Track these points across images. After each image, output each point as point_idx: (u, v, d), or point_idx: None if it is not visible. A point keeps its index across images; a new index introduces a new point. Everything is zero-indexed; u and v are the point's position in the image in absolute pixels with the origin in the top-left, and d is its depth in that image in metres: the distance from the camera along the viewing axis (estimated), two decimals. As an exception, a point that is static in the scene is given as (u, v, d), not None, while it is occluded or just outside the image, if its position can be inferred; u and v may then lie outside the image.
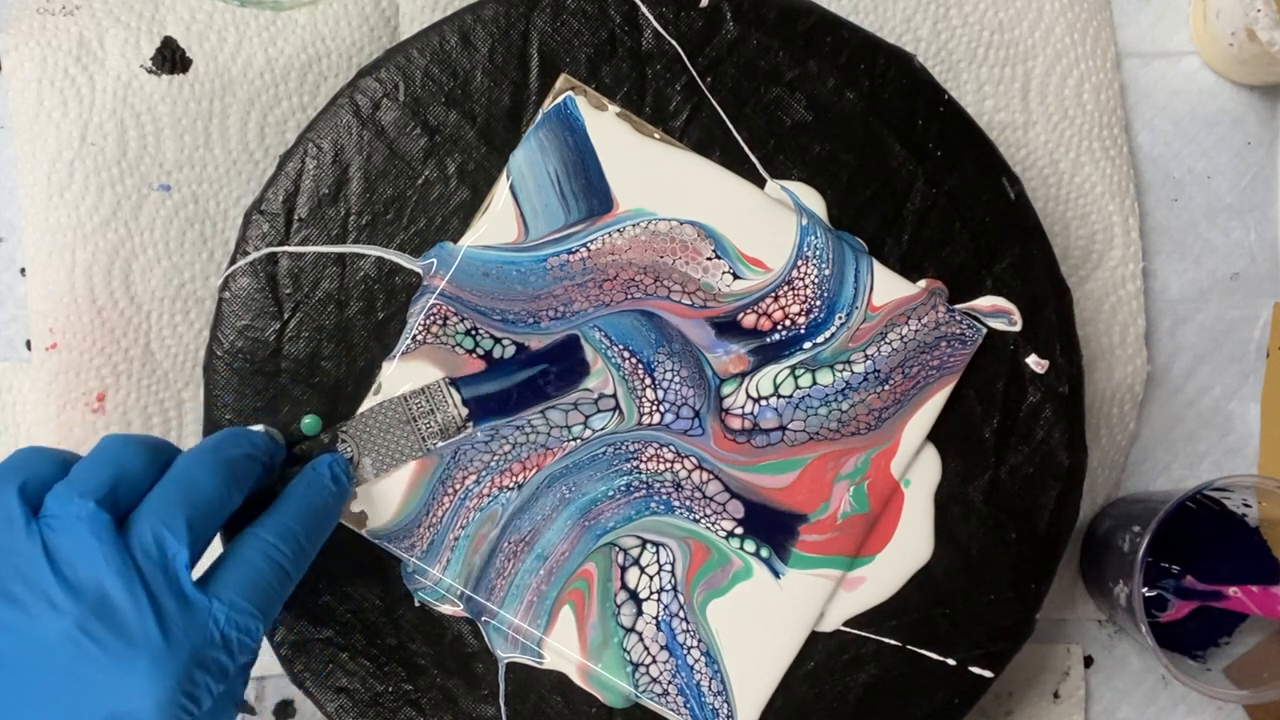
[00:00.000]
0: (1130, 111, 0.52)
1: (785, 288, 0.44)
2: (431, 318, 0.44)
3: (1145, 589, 0.46)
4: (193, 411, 0.49)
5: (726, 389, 0.44)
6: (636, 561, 0.44)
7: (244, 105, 0.49)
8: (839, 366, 0.44)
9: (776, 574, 0.44)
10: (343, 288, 0.45)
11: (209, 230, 0.50)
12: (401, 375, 0.44)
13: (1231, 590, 0.46)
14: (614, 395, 0.44)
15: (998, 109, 0.51)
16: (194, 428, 0.49)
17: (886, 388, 0.44)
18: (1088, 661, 0.51)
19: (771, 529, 0.44)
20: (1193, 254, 0.52)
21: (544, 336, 0.44)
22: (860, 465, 0.44)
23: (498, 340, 0.44)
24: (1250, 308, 0.52)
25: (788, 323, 0.44)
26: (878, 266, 0.44)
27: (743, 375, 0.44)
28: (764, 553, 0.44)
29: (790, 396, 0.44)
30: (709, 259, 0.45)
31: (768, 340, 0.44)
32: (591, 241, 0.44)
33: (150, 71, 0.49)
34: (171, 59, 0.49)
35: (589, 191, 0.45)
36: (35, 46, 0.49)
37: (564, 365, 0.44)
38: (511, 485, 0.44)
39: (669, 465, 0.44)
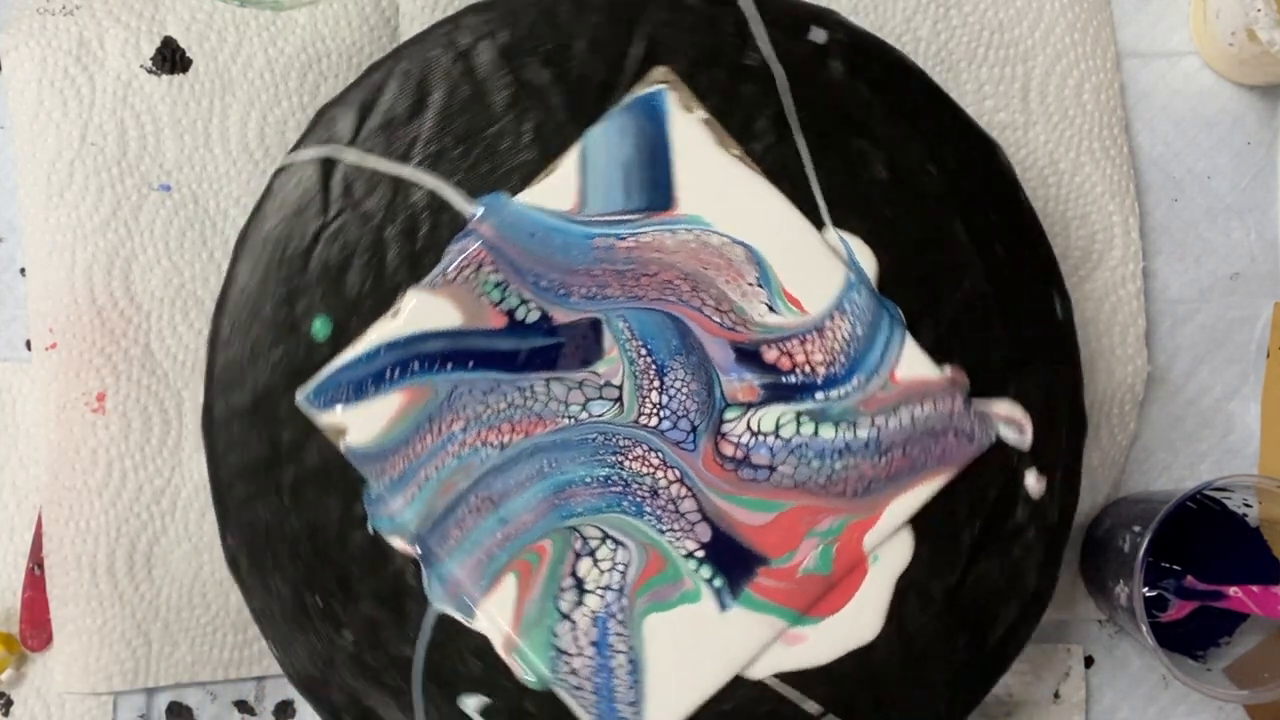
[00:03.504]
0: (1130, 111, 0.52)
1: (815, 334, 0.44)
2: (468, 261, 0.44)
3: (1145, 589, 0.46)
4: (192, 412, 0.49)
5: (730, 414, 0.44)
6: (593, 553, 0.44)
7: (244, 105, 0.49)
8: (844, 425, 0.44)
9: (723, 606, 0.44)
10: (391, 207, 0.44)
11: (209, 230, 0.50)
12: (423, 307, 0.44)
13: (1232, 590, 0.46)
14: (620, 387, 0.44)
15: (998, 109, 0.51)
16: (194, 428, 0.49)
17: (883, 460, 0.44)
18: (1088, 661, 0.51)
19: (732, 562, 0.44)
20: (1193, 254, 0.52)
21: (570, 311, 0.44)
22: (835, 527, 0.44)
23: (525, 302, 0.44)
24: (1250, 308, 0.52)
25: (807, 368, 0.44)
26: (909, 341, 0.44)
27: (749, 406, 0.44)
28: (717, 582, 0.44)
29: (788, 440, 0.44)
30: (750, 285, 0.44)
31: (783, 379, 0.44)
32: (642, 234, 0.44)
33: (150, 71, 0.49)
34: (171, 59, 0.49)
35: (653, 185, 0.44)
36: (35, 46, 0.49)
37: (581, 344, 0.44)
38: (496, 443, 0.44)
39: (652, 470, 0.44)
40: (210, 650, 0.50)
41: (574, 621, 0.44)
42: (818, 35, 0.45)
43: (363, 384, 0.44)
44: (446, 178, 0.45)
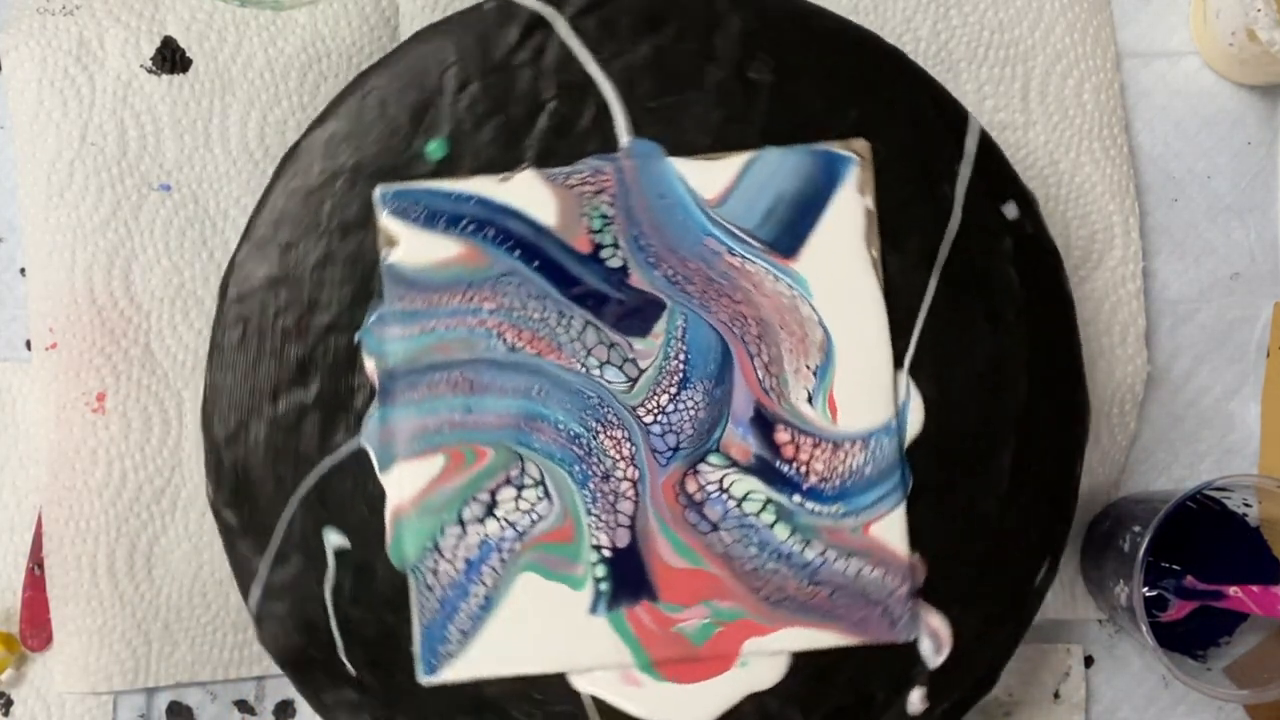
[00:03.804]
0: (1130, 111, 0.52)
1: (830, 446, 0.44)
2: (594, 181, 0.44)
3: (1145, 589, 0.46)
4: (192, 412, 0.49)
5: (713, 460, 0.44)
6: (521, 487, 0.44)
7: (244, 105, 0.49)
8: (799, 536, 0.44)
9: (594, 609, 0.44)
10: (563, 93, 0.45)
11: (209, 230, 0.50)
12: (531, 190, 0.44)
13: (1232, 590, 0.46)
14: (641, 371, 0.44)
15: (998, 109, 0.51)
16: (194, 428, 0.49)
17: (809, 587, 0.44)
18: (1088, 661, 0.51)
19: (628, 579, 0.44)
20: (1193, 254, 0.52)
21: (648, 281, 0.44)
22: (730, 613, 0.44)
23: (616, 246, 0.44)
24: (1250, 308, 0.52)
25: (804, 469, 0.44)
26: (900, 510, 0.44)
27: (734, 464, 0.44)
28: (604, 586, 0.44)
29: (745, 515, 0.44)
30: (807, 367, 0.44)
31: (777, 463, 0.44)
32: (751, 262, 0.44)
33: (150, 71, 0.49)
34: (171, 59, 0.49)
35: (789, 229, 0.44)
36: (35, 46, 0.49)
37: (636, 313, 0.44)
38: (509, 341, 0.44)
39: (617, 458, 0.44)
40: (210, 650, 0.50)
41: (464, 532, 0.44)
42: (1010, 210, 0.45)
43: (438, 216, 0.44)
44: (626, 101, 0.44)
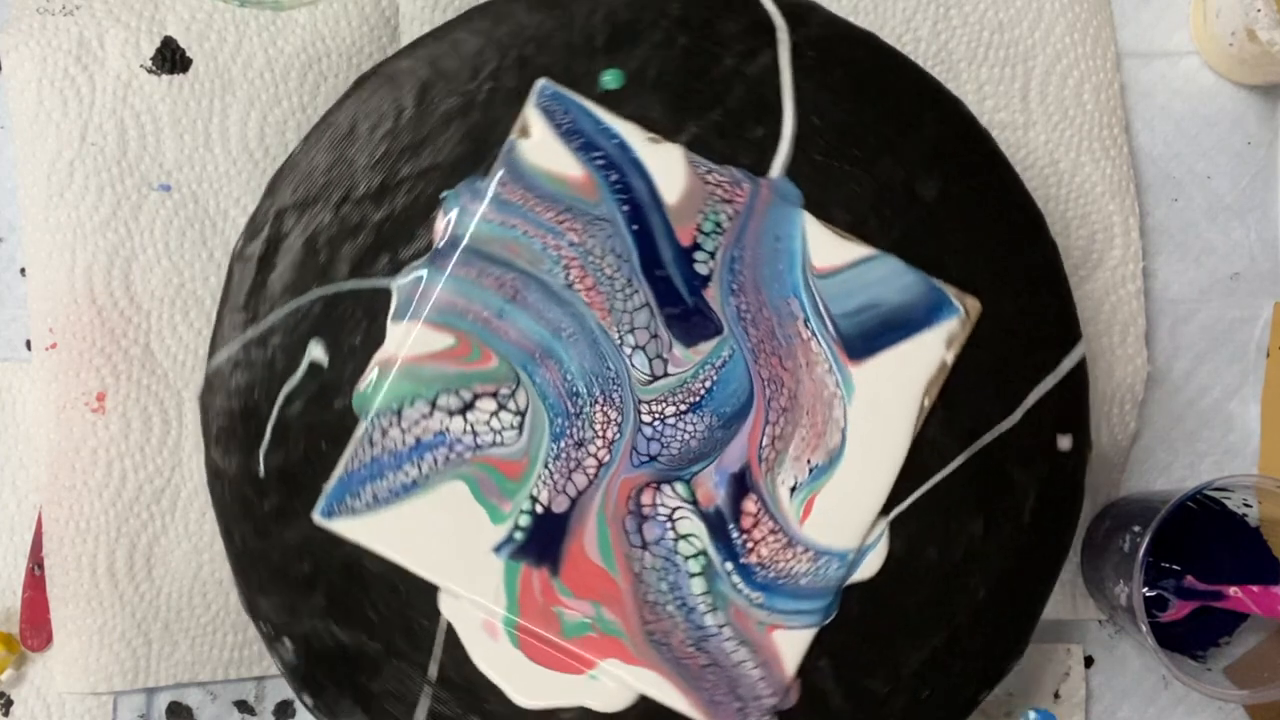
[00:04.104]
0: (1130, 111, 0.52)
1: (786, 542, 0.44)
2: (725, 192, 0.44)
3: (1145, 589, 0.46)
4: (192, 412, 0.49)
5: (679, 487, 0.44)
6: (502, 407, 0.44)
7: (244, 105, 0.49)
8: (709, 599, 0.44)
9: (498, 548, 0.44)
10: (737, 78, 0.44)
11: (209, 230, 0.50)
12: (667, 158, 0.44)
13: (1232, 590, 0.46)
14: (665, 374, 0.44)
15: (998, 109, 0.51)
16: (194, 428, 0.49)
17: (689, 648, 0.44)
18: (1088, 661, 0.51)
19: (542, 543, 0.44)
20: (1193, 254, 0.52)
21: (718, 303, 0.44)
22: (609, 626, 0.44)
23: (712, 258, 0.44)
24: (1250, 308, 0.52)
25: (750, 545, 0.44)
26: (810, 634, 0.44)
27: (693, 504, 0.44)
28: (518, 536, 0.44)
29: (674, 552, 0.44)
30: (807, 462, 0.44)
31: (731, 525, 0.44)
32: (818, 342, 0.44)
33: (150, 71, 0.49)
34: (171, 59, 0.49)
35: (867, 338, 0.44)
36: (35, 46, 0.49)
37: (693, 323, 0.44)
38: (566, 277, 0.44)
39: (597, 434, 0.44)
40: (210, 650, 0.50)
41: (431, 414, 0.44)
42: (1064, 441, 0.44)
43: (578, 135, 0.44)
44: (798, 141, 0.44)
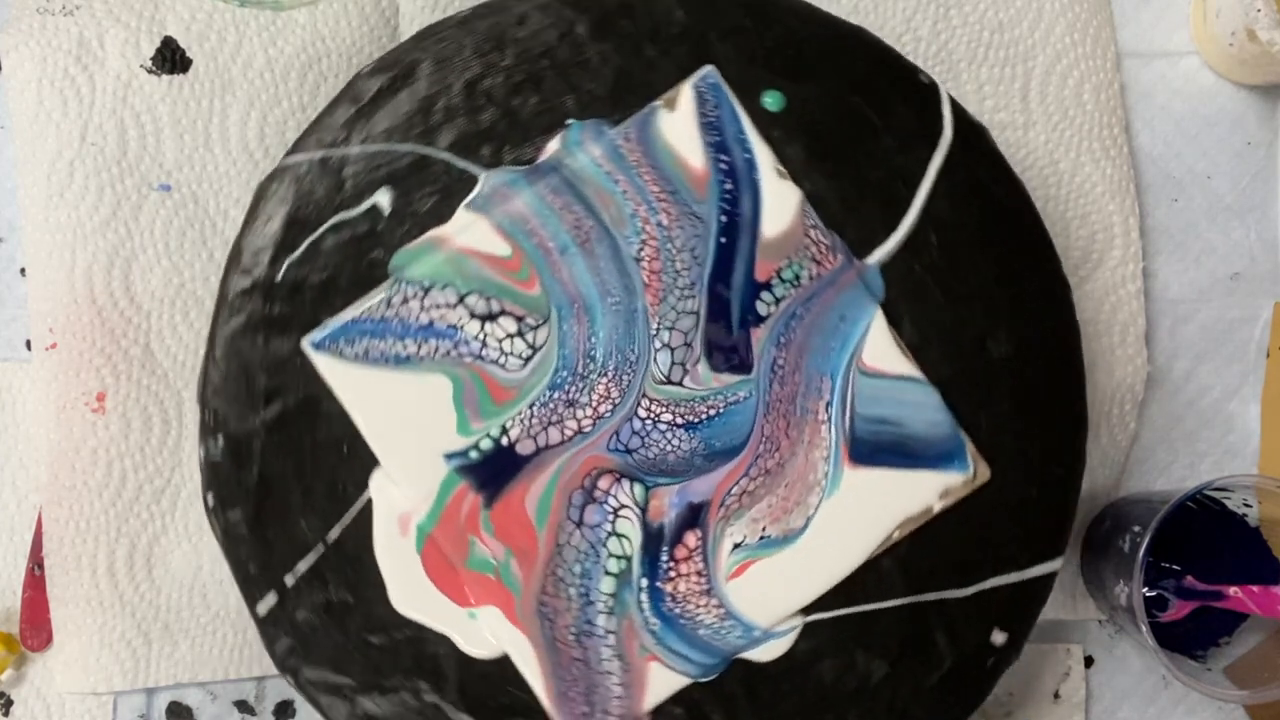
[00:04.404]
0: (1130, 111, 0.52)
1: (704, 589, 0.44)
2: (823, 251, 0.44)
3: (1145, 589, 0.46)
4: (192, 412, 0.49)
5: (637, 490, 0.44)
6: (519, 334, 0.44)
7: (244, 105, 0.49)
8: (612, 601, 0.44)
9: (449, 457, 0.44)
10: (898, 152, 0.44)
11: (209, 230, 0.50)
12: (784, 198, 0.44)
13: (1232, 590, 0.46)
14: (680, 384, 0.44)
15: (998, 109, 0.51)
16: (193, 428, 0.49)
17: (570, 634, 0.44)
18: (1088, 661, 0.51)
19: (489, 475, 0.43)
20: (1193, 254, 0.52)
21: (760, 347, 0.44)
22: (510, 577, 0.44)
23: (777, 305, 0.44)
24: (1250, 308, 0.52)
25: (673, 575, 0.44)
26: (682, 682, 0.44)
27: (643, 509, 0.44)
28: (473, 455, 0.43)
29: (602, 543, 0.44)
30: (761, 531, 0.44)
31: (664, 550, 0.44)
32: (825, 431, 0.44)
33: (150, 71, 0.49)
34: (171, 59, 0.49)
35: (875, 451, 0.44)
36: (35, 46, 0.49)
37: (726, 355, 0.44)
38: (641, 255, 0.44)
39: (590, 406, 0.44)
40: (210, 650, 0.50)
41: (453, 305, 0.44)
42: (998, 637, 0.44)
43: (717, 130, 0.44)
44: (909, 245, 0.44)
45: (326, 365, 0.44)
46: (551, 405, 0.44)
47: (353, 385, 0.44)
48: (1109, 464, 0.51)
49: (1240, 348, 0.52)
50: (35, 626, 0.50)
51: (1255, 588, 0.45)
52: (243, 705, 0.50)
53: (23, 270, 0.51)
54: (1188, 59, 0.52)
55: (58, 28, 0.49)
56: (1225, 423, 0.52)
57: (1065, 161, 0.50)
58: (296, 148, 0.45)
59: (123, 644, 0.49)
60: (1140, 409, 0.51)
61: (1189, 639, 0.48)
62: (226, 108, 0.49)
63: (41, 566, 0.50)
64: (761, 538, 0.44)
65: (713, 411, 0.44)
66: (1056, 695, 0.51)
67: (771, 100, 0.44)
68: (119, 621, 0.49)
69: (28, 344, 0.51)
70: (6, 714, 0.50)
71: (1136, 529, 0.44)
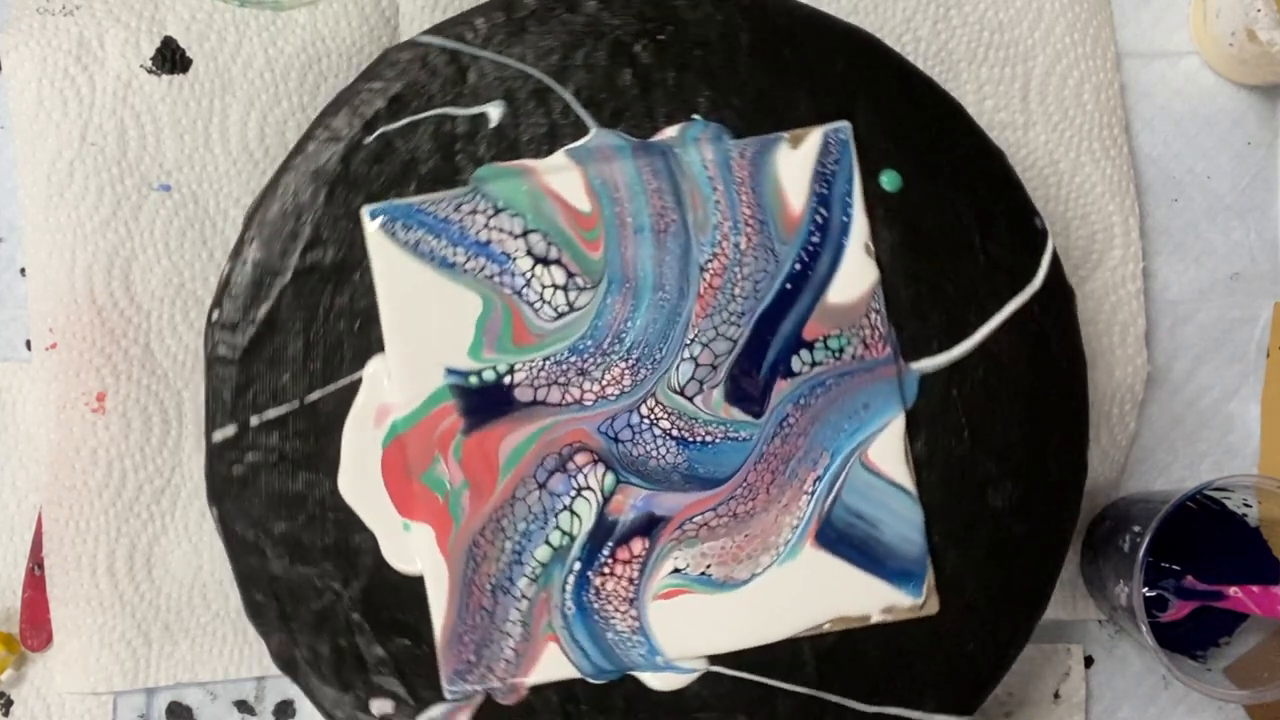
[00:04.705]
0: (1130, 111, 0.52)
1: (628, 595, 0.44)
2: (873, 336, 0.45)
3: (1145, 589, 0.46)
4: (192, 412, 0.49)
5: (606, 478, 0.44)
6: (563, 287, 0.44)
7: (244, 105, 0.49)
8: (535, 567, 0.44)
9: (448, 373, 0.44)
10: (991, 271, 0.45)
11: (209, 230, 0.50)
12: (863, 268, 0.44)
13: (1232, 590, 0.46)
14: (690, 399, 0.44)
15: (998, 109, 0.51)
16: (194, 428, 0.49)
17: (488, 589, 0.44)
18: (1088, 661, 0.51)
19: (482, 404, 0.44)
20: (1193, 254, 0.52)
21: (780, 401, 0.44)
22: (456, 508, 0.44)
23: (813, 366, 0.44)
24: (1250, 308, 0.52)
25: (608, 570, 0.44)
26: (568, 670, 0.44)
27: (605, 501, 0.44)
28: (473, 381, 0.44)
29: (553, 511, 0.44)
30: (704, 566, 0.44)
31: (609, 544, 0.44)
32: (804, 501, 0.44)
33: (150, 71, 0.49)
34: (171, 59, 0.49)
35: (840, 544, 0.44)
36: (35, 46, 0.49)
37: (744, 393, 0.44)
38: (717, 256, 0.44)
39: (602, 385, 0.44)
40: (210, 650, 0.50)
41: (515, 235, 0.44)
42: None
43: (826, 184, 0.44)
44: (952, 377, 0.45)
45: (376, 239, 0.44)
46: (564, 366, 0.44)
47: (392, 267, 0.44)
48: (1109, 464, 0.51)
49: (1240, 348, 0.52)
50: (35, 626, 0.50)
51: (1255, 588, 0.45)
52: (243, 705, 0.50)
53: (23, 270, 0.51)
54: (1188, 59, 0.52)
55: (58, 28, 0.49)
56: (1225, 423, 0.52)
57: (1065, 161, 0.50)
58: (436, 30, 0.45)
59: (123, 644, 0.49)
60: (1140, 409, 0.51)
61: (1189, 639, 0.48)
62: (226, 108, 0.49)
63: (41, 566, 0.50)
64: (702, 573, 0.44)
65: (709, 438, 0.44)
66: (1056, 695, 0.51)
67: (888, 179, 0.45)
68: (119, 621, 0.49)
69: (28, 344, 0.51)
70: (6, 714, 0.50)
71: (1136, 529, 0.44)
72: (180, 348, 0.49)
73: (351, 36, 0.50)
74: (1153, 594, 0.47)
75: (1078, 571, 0.50)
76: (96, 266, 0.49)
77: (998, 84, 0.51)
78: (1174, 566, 0.48)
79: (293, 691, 0.50)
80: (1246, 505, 0.47)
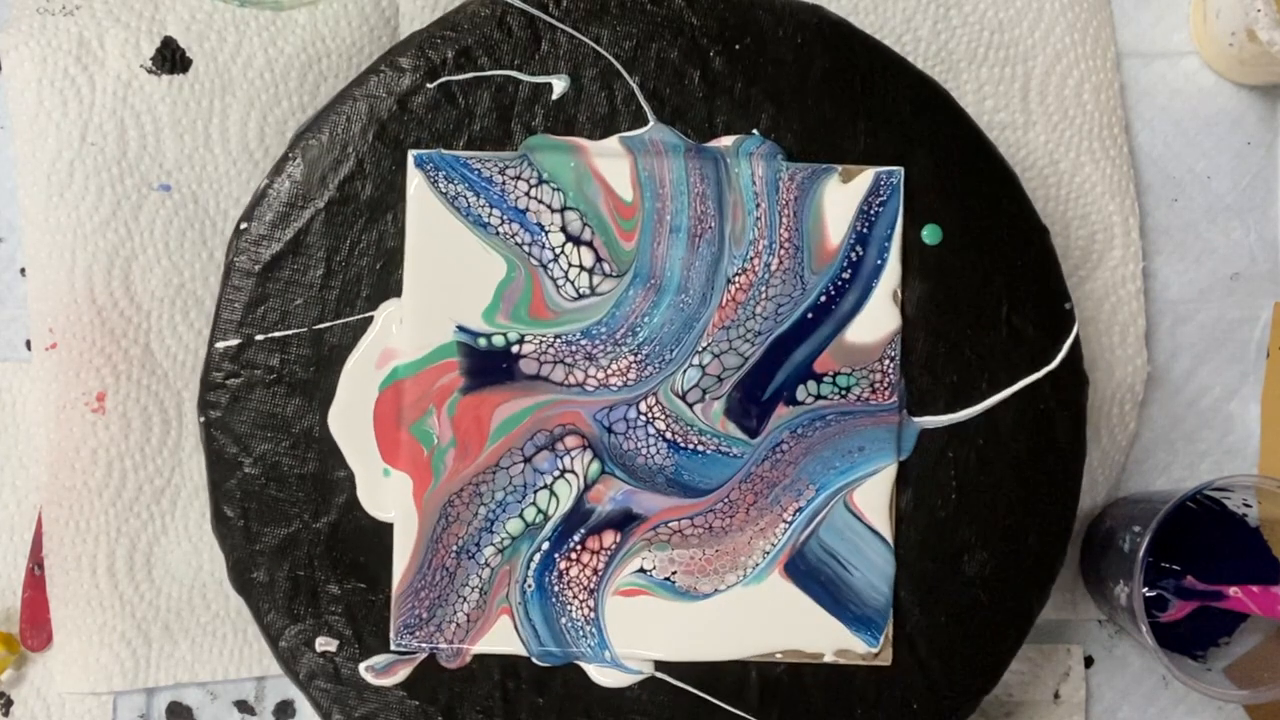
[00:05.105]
0: (1130, 111, 0.52)
1: (589, 585, 0.45)
2: (879, 362, 0.45)
3: (1145, 589, 0.46)
4: (192, 412, 0.49)
5: (592, 466, 0.44)
6: (590, 270, 0.44)
7: (244, 105, 0.49)
8: (504, 539, 0.44)
9: (459, 330, 0.44)
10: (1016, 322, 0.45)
11: (209, 230, 0.50)
12: (882, 315, 0.45)
13: (1232, 590, 0.46)
14: (691, 408, 0.44)
15: (998, 109, 0.51)
16: (194, 428, 0.49)
17: (457, 558, 0.45)
18: (1088, 661, 0.51)
19: (483, 367, 0.44)
20: (1193, 254, 0.52)
21: (776, 425, 0.45)
22: (437, 469, 0.44)
23: (817, 398, 0.45)
24: (1250, 308, 0.52)
25: (574, 556, 0.44)
26: (514, 647, 0.45)
27: (587, 487, 0.44)
28: (481, 343, 0.44)
29: (532, 487, 0.44)
30: (674, 571, 0.44)
31: (580, 531, 0.44)
32: (781, 526, 0.45)
33: (150, 71, 0.49)
34: (171, 59, 0.49)
35: (808, 580, 0.45)
36: (35, 46, 0.49)
37: (747, 410, 0.45)
38: (746, 271, 0.44)
39: (607, 367, 0.44)
40: (210, 650, 0.50)
41: (553, 211, 0.44)
42: None
43: (869, 224, 0.44)
44: (951, 441, 0.45)
45: (416, 184, 0.44)
46: (573, 347, 0.44)
47: (426, 216, 0.44)
48: (1109, 464, 0.51)
49: (1240, 348, 0.52)
50: (35, 626, 0.50)
51: (1255, 588, 0.45)
52: (243, 705, 0.50)
53: (23, 270, 0.51)
54: (1188, 59, 0.52)
55: (58, 28, 0.49)
56: (1225, 423, 0.52)
57: (1065, 161, 0.50)
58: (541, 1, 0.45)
59: (123, 644, 0.49)
60: (1140, 409, 0.51)
61: (1189, 639, 0.48)
62: (226, 108, 0.49)
63: (41, 566, 0.50)
64: (667, 578, 0.44)
65: (701, 448, 0.44)
66: (1056, 695, 0.51)
67: (930, 233, 0.45)
68: (119, 621, 0.49)
69: (28, 344, 0.51)
70: (6, 714, 0.50)
71: (1136, 529, 0.44)
72: (180, 348, 0.49)
73: (351, 36, 0.50)
74: (1153, 594, 0.47)
75: (1078, 571, 0.50)
76: (96, 266, 0.49)
77: (998, 84, 0.51)
78: (1174, 566, 0.48)
79: (293, 692, 0.50)
80: (1246, 505, 0.47)
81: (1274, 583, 0.46)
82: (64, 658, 0.49)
